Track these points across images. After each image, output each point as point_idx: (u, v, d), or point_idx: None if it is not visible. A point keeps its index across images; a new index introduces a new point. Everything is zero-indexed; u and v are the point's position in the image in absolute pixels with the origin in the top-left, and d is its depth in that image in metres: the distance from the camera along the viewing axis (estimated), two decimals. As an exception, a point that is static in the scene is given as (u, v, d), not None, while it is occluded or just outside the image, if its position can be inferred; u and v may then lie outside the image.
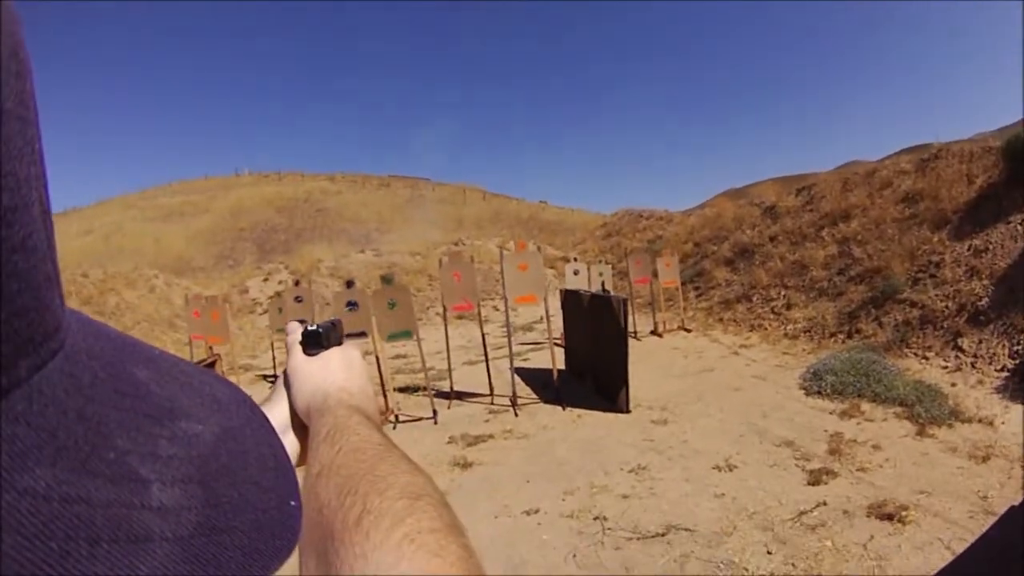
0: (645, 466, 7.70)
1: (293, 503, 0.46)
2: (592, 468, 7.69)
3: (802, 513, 6.31)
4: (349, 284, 10.81)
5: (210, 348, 12.63)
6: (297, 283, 15.16)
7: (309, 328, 1.01)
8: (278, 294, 14.88)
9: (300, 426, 0.93)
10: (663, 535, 6.03)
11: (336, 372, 0.96)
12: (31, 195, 0.32)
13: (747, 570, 5.40)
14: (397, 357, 14.15)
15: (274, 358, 15.16)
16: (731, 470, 7.46)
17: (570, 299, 12.50)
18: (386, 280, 10.95)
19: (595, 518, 6.43)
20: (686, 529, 6.12)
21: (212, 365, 10.17)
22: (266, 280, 25.31)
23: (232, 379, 10.77)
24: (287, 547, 0.43)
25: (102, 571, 0.29)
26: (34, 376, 0.32)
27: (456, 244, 29.59)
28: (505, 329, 11.20)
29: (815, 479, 7.02)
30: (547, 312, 11.06)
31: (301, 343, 1.01)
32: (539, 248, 23.19)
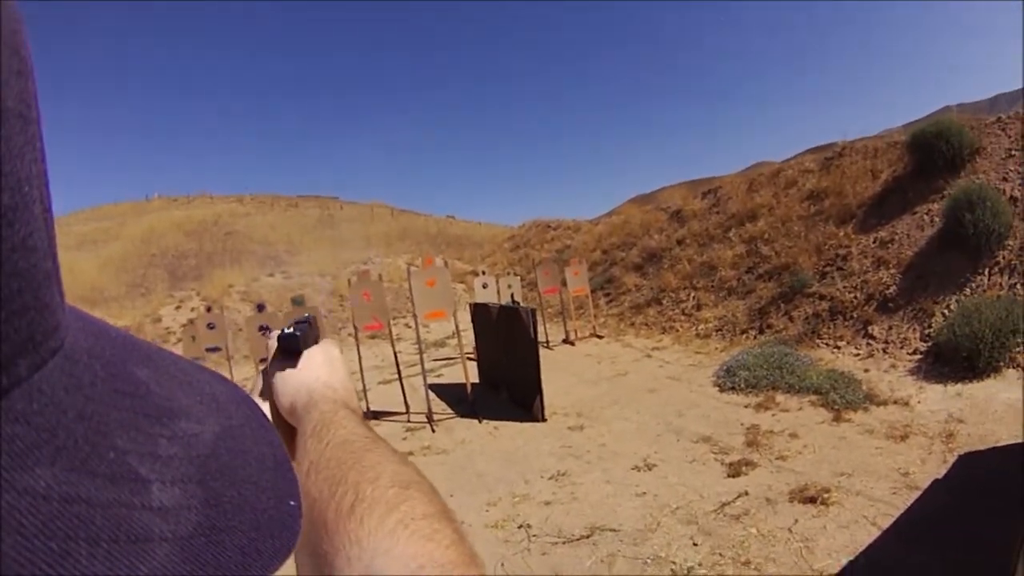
0: (565, 472, 7.63)
1: (293, 502, 0.45)
2: (512, 478, 7.61)
3: (724, 504, 6.25)
4: (260, 308, 10.56)
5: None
6: (209, 309, 15.09)
7: (285, 331, 0.99)
8: (191, 322, 14.29)
9: (283, 426, 0.92)
10: (588, 537, 6.00)
11: (319, 368, 0.97)
12: (32, 194, 0.31)
13: (675, 563, 5.36)
14: None
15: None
16: (650, 469, 7.38)
17: (480, 312, 12.35)
18: (296, 302, 10.75)
19: (520, 526, 6.38)
20: (611, 529, 6.09)
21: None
22: (178, 308, 24.40)
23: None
24: (287, 547, 0.42)
25: (102, 571, 0.29)
26: (34, 375, 0.31)
27: (365, 263, 29.21)
28: (418, 346, 11.02)
29: (735, 471, 6.98)
30: (457, 327, 11.04)
31: (278, 348, 1.00)
32: (447, 263, 22.96)
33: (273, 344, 0.99)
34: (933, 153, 12.38)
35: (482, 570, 0.63)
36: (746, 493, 6.42)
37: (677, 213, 20.04)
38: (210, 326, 12.59)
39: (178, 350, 18.75)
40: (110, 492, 0.31)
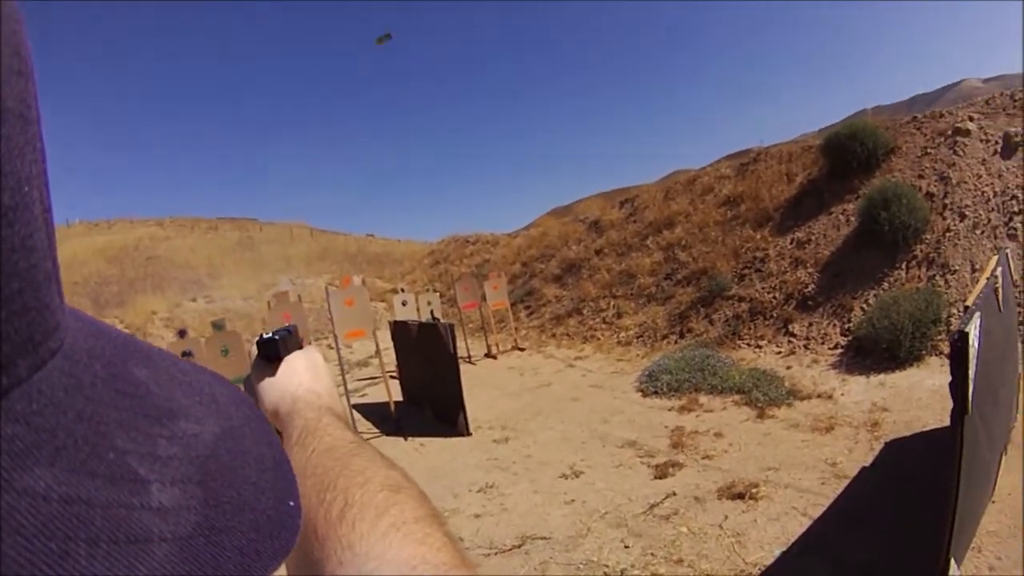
0: (493, 484, 7.57)
1: (292, 503, 0.45)
2: (441, 493, 7.49)
3: (653, 506, 6.22)
4: (182, 333, 10.39)
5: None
6: None
7: (264, 336, 0.99)
8: None
9: None
10: (520, 546, 5.96)
11: (302, 374, 0.96)
12: (32, 194, 0.32)
13: (607, 566, 5.32)
14: None
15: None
16: (577, 476, 7.34)
17: (400, 330, 12.20)
18: (217, 326, 10.46)
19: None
20: (542, 537, 6.04)
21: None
22: None
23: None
24: (286, 547, 0.42)
25: (101, 571, 0.29)
26: (34, 375, 0.31)
27: (291, 284, 28.83)
28: (339, 366, 11.00)
29: (662, 472, 6.94)
30: (378, 345, 11.07)
31: (258, 353, 0.99)
32: (364, 281, 22.72)
33: (253, 351, 1.00)
34: (847, 155, 12.59)
35: (474, 571, 0.62)
36: (674, 493, 6.38)
37: (595, 223, 20.09)
38: None
39: None
40: (110, 492, 0.31)
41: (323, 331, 21.88)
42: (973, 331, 3.22)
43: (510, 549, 5.92)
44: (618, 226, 18.83)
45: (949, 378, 3.27)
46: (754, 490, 6.02)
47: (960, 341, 3.16)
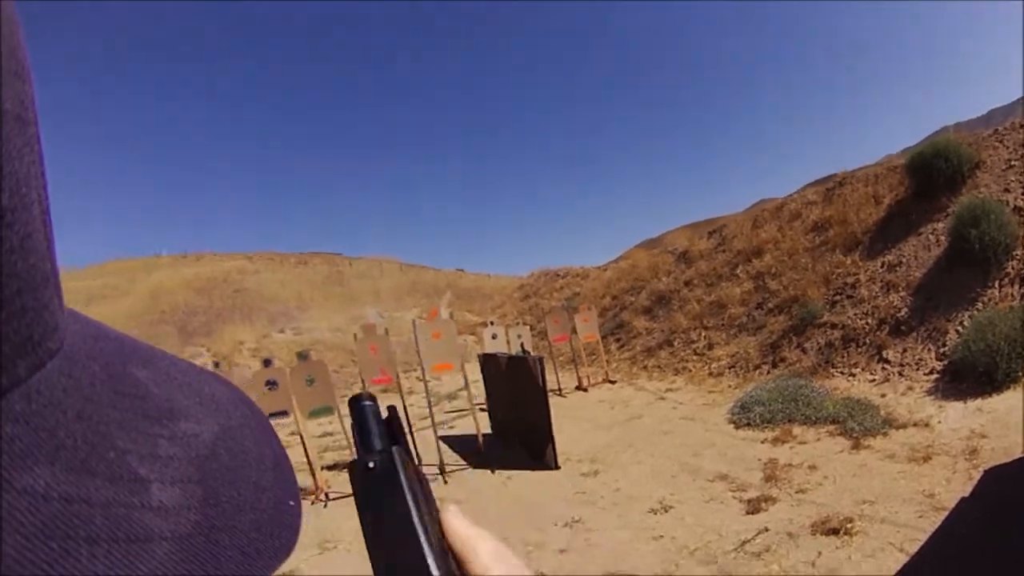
0: (579, 519, 7.42)
1: (292, 503, 0.45)
2: (525, 527, 7.37)
3: (744, 542, 6.07)
4: (267, 363, 10.44)
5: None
6: (217, 365, 14.82)
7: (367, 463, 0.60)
8: None
9: None
10: None
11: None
12: (31, 195, 0.31)
13: None
14: (324, 436, 13.65)
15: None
16: (667, 511, 7.21)
17: (489, 363, 12.23)
18: (301, 356, 10.59)
19: (535, 574, 6.09)
20: (628, 575, 5.87)
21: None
22: None
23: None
24: (286, 547, 0.42)
25: (102, 571, 0.29)
26: (33, 376, 0.31)
27: (379, 317, 29.04)
28: (434, 399, 10.98)
29: (754, 507, 6.79)
30: (466, 378, 10.89)
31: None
32: (452, 315, 22.83)
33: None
34: (932, 173, 12.30)
35: None
36: (766, 529, 6.24)
37: (684, 254, 19.94)
38: None
39: None
40: (110, 492, 0.31)
41: (412, 363, 22.04)
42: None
43: None
44: (707, 256, 18.67)
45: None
46: (849, 525, 5.84)
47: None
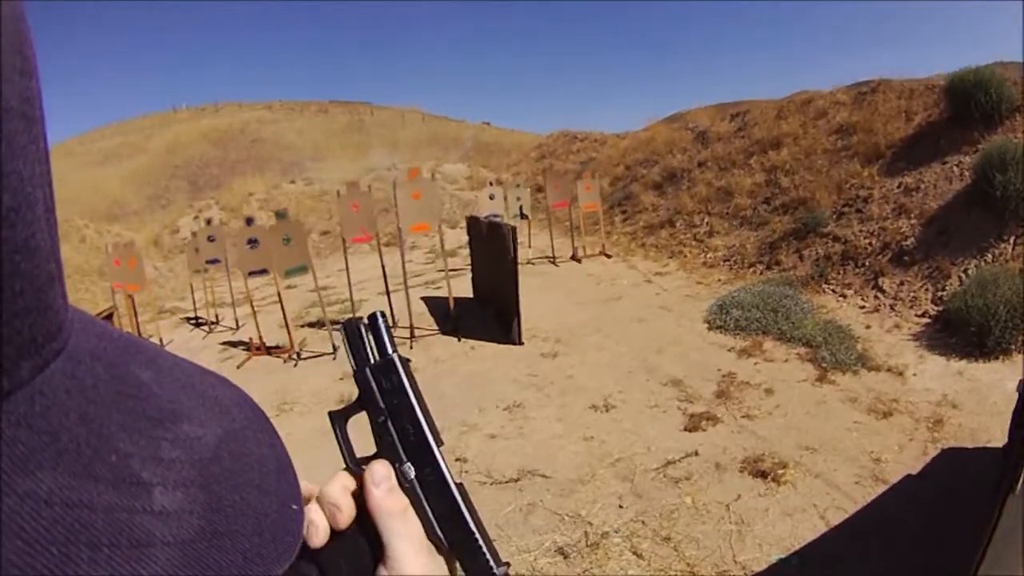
0: (521, 403, 7.50)
1: (295, 506, 0.45)
2: (469, 405, 7.52)
3: (668, 463, 5.94)
4: (249, 221, 10.39)
5: (129, 296, 12.48)
6: (208, 222, 15.53)
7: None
8: (193, 234, 14.52)
9: None
10: (516, 481, 5.85)
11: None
12: (35, 194, 0.31)
13: (591, 524, 5.14)
14: (323, 288, 13.51)
15: (194, 301, 14.63)
16: (608, 411, 7.13)
17: (474, 226, 12.10)
18: (280, 215, 10.56)
19: (456, 459, 6.27)
20: (542, 475, 5.90)
21: (109, 317, 10.39)
22: (196, 218, 23.82)
23: (153, 324, 11.16)
24: (289, 550, 0.42)
25: None
26: (36, 378, 0.31)
27: (389, 168, 28.57)
28: (428, 257, 11.01)
29: (694, 424, 6.62)
30: (442, 242, 11.04)
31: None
32: (434, 175, 22.28)
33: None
34: (970, 103, 11.38)
35: None
36: (696, 453, 6.04)
37: (702, 134, 19.15)
38: (210, 239, 12.77)
39: (183, 262, 18.81)
40: (112, 496, 0.31)
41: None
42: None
43: (507, 481, 5.83)
44: (725, 139, 17.92)
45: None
46: (780, 471, 5.53)
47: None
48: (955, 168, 10.89)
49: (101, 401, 0.34)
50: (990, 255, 9.13)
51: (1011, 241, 9.09)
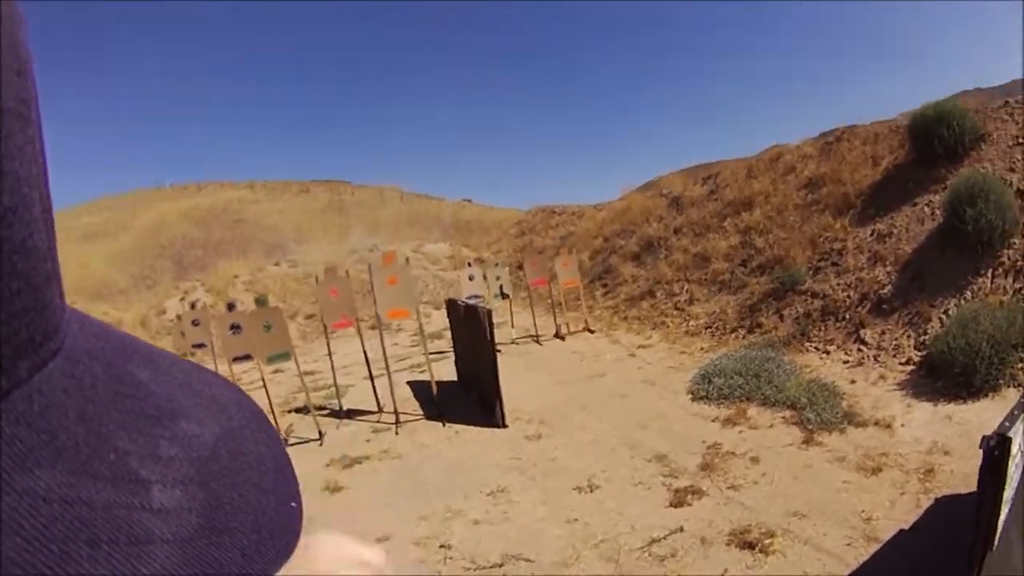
0: (505, 488, 7.38)
1: (294, 504, 0.45)
2: (453, 491, 7.41)
3: (653, 541, 5.80)
4: (231, 307, 10.28)
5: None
6: (193, 306, 15.31)
7: None
8: (178, 317, 14.80)
9: None
10: (501, 566, 5.77)
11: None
12: (32, 194, 0.32)
13: None
14: (310, 373, 13.55)
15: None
16: (592, 491, 7.02)
17: (453, 309, 12.02)
18: (260, 302, 10.45)
19: (441, 545, 6.23)
20: (526, 559, 5.81)
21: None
22: (183, 300, 24.14)
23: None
24: (288, 548, 0.42)
25: (102, 573, 0.29)
26: (34, 377, 0.32)
27: (371, 250, 28.67)
28: (414, 340, 11.12)
29: (679, 500, 6.50)
30: (421, 326, 11.00)
31: None
32: (409, 260, 22.34)
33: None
34: (933, 139, 11.42)
35: None
36: (681, 529, 5.92)
37: (676, 200, 19.29)
38: (195, 323, 12.62)
39: (170, 344, 18.75)
40: (111, 494, 0.31)
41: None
42: (1019, 437, 2.39)
43: (491, 567, 5.76)
44: (698, 204, 17.99)
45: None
46: (768, 541, 5.37)
47: (997, 447, 2.35)
48: (925, 208, 10.90)
49: (99, 400, 0.34)
50: (968, 292, 9.07)
51: (988, 275, 9.03)
